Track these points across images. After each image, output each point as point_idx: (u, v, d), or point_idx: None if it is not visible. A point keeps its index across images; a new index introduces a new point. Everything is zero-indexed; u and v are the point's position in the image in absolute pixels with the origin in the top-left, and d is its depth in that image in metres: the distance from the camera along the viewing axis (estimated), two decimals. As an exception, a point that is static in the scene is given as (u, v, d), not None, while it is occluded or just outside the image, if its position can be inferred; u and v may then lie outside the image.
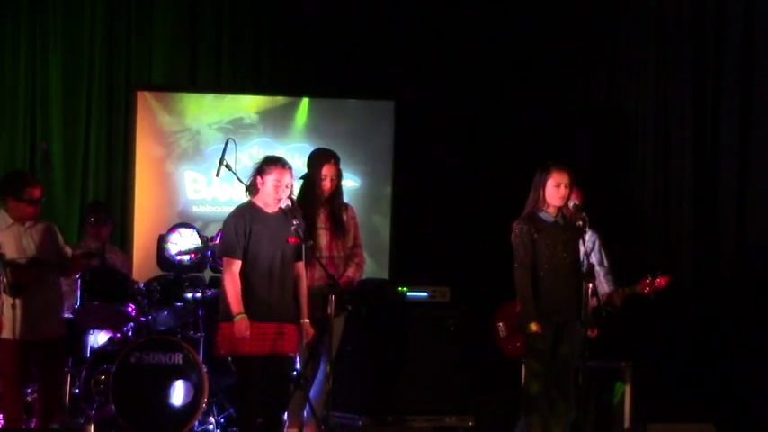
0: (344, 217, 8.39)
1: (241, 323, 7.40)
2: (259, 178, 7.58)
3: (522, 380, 8.47)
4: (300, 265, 7.69)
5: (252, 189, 7.64)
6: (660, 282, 8.35)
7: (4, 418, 7.86)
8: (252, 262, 7.50)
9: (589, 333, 7.78)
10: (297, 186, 7.99)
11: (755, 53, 9.29)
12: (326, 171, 8.23)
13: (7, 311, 7.75)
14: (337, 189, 8.37)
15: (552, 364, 7.97)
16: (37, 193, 7.95)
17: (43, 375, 7.92)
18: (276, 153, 8.63)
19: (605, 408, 8.53)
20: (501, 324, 8.74)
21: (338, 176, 8.36)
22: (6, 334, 7.78)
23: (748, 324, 9.15)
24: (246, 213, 7.59)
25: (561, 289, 7.85)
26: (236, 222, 7.56)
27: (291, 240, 7.52)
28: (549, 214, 7.95)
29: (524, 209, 8.08)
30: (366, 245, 10.86)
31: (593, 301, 7.75)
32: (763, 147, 9.21)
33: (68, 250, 8.18)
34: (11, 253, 7.81)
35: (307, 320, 7.64)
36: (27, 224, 7.96)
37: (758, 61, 9.28)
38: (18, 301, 7.73)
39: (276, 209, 7.58)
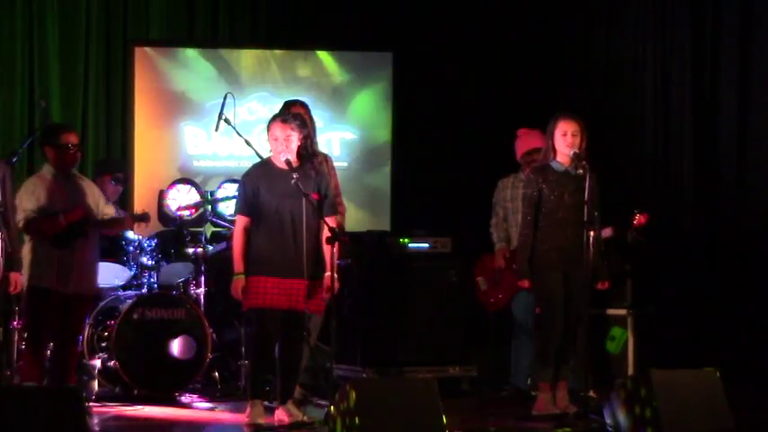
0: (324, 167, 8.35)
1: (236, 283, 7.40)
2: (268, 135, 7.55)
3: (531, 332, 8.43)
4: (326, 221, 7.33)
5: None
6: (640, 219, 8.33)
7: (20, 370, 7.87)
8: (261, 218, 7.40)
9: (600, 286, 7.84)
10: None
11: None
12: None
13: (43, 260, 7.75)
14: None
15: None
16: (74, 138, 7.96)
17: (63, 332, 7.85)
18: (275, 107, 8.59)
19: (605, 355, 8.52)
20: (480, 278, 8.69)
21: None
22: (36, 282, 7.77)
23: (750, 268, 9.16)
24: (257, 170, 7.54)
25: (567, 237, 7.83)
26: (245, 180, 7.52)
27: (313, 196, 7.34)
28: (560, 163, 7.94)
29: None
30: (366, 197, 10.95)
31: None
32: (763, 93, 9.20)
33: (110, 210, 8.21)
34: (52, 204, 7.77)
35: (327, 274, 7.29)
36: (70, 176, 7.95)
37: (756, 5, 9.24)
38: (56, 252, 7.73)
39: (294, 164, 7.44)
